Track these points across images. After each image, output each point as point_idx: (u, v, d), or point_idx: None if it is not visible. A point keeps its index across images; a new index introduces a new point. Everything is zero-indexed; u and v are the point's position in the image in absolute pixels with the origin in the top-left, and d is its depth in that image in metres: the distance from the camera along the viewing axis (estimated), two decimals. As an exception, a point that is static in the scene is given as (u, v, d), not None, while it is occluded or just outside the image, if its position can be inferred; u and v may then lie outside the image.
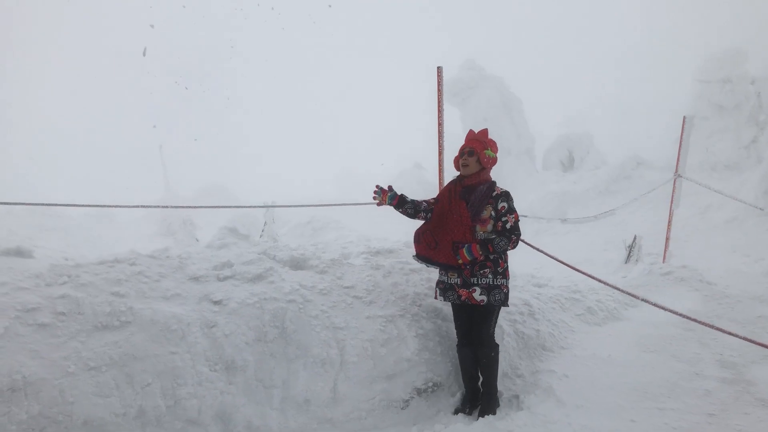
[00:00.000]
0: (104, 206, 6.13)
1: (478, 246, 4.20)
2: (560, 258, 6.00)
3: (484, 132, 4.57)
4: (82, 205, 5.82)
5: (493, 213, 4.26)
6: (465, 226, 4.27)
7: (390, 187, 4.64)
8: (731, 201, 14.83)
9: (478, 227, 4.28)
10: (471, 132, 4.60)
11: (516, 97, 32.86)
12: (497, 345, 4.46)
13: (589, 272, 5.84)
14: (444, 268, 4.39)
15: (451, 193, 4.45)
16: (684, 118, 10.72)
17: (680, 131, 10.72)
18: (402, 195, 4.64)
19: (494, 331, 4.45)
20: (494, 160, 4.47)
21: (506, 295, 4.35)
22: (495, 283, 4.29)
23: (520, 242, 4.34)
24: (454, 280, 4.38)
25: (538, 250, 6.03)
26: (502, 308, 4.59)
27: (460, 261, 4.24)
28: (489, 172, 4.48)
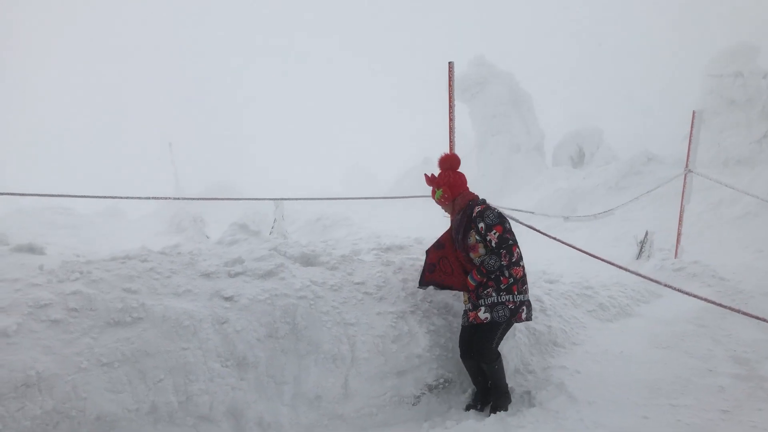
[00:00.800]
0: (117, 197, 6.17)
1: (476, 270, 4.28)
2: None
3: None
4: (97, 197, 5.85)
5: (477, 237, 4.27)
6: (461, 258, 4.43)
7: None
8: (743, 196, 14.72)
9: (471, 254, 4.35)
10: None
11: (526, 93, 32.73)
12: (499, 355, 4.41)
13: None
14: (460, 290, 4.57)
15: (450, 231, 4.62)
16: (693, 112, 10.63)
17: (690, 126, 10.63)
18: None
19: (497, 345, 4.40)
20: (446, 195, 4.48)
21: (512, 310, 4.26)
22: (499, 300, 4.26)
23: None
24: (467, 305, 4.47)
25: (556, 240, 5.98)
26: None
27: (470, 289, 4.37)
28: (461, 197, 4.48)
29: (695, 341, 6.19)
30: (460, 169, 4.61)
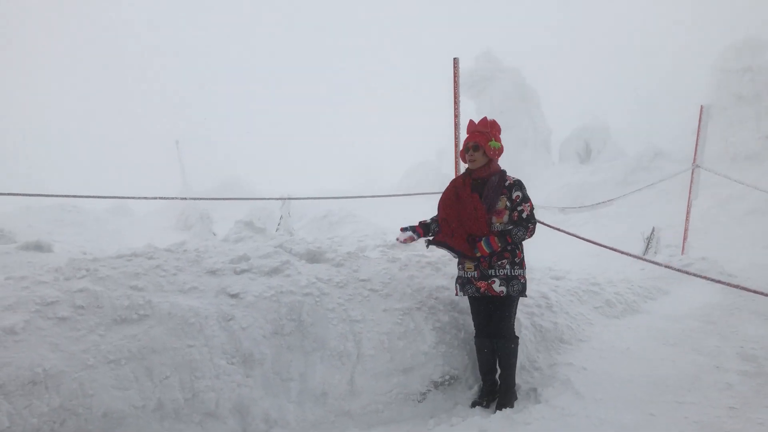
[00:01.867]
0: (125, 198, 6.19)
1: (496, 238, 4.20)
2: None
3: (485, 122, 4.44)
4: (105, 197, 5.87)
5: (508, 203, 4.25)
6: (481, 219, 4.23)
7: (404, 229, 4.67)
8: (751, 192, 14.63)
9: (494, 219, 4.26)
10: (471, 123, 4.50)
11: (532, 89, 32.66)
12: (517, 337, 4.44)
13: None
14: (461, 256, 4.36)
15: (462, 186, 4.38)
16: (701, 107, 10.57)
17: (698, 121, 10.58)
18: (421, 223, 4.67)
19: (514, 322, 4.42)
20: (500, 150, 4.40)
21: (524, 285, 4.33)
22: (513, 273, 4.26)
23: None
24: (471, 273, 4.37)
25: (565, 232, 5.97)
26: (521, 299, 4.57)
27: (479, 254, 4.23)
28: (497, 161, 4.43)
29: (702, 338, 6.17)
30: None
